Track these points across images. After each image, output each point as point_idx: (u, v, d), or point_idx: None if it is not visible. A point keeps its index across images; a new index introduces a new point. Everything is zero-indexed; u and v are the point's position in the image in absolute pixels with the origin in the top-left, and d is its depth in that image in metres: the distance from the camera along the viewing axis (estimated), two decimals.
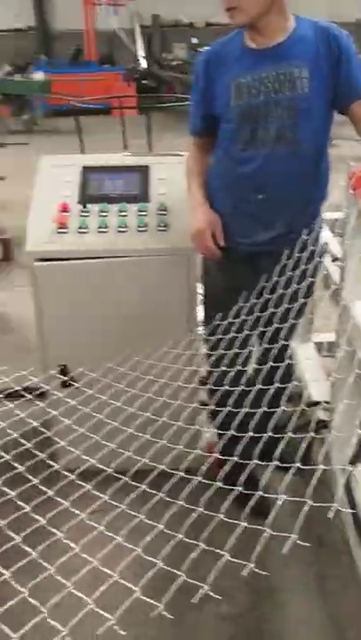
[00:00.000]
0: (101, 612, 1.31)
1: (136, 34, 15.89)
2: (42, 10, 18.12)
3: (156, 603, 1.27)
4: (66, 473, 1.90)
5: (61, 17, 17.88)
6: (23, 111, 13.74)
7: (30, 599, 1.40)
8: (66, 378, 2.86)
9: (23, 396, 3.65)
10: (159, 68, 15.34)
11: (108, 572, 1.44)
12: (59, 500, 1.79)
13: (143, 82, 14.29)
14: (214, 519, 1.46)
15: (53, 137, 12.62)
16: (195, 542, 1.43)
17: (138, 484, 1.73)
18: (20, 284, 5.35)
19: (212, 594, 1.27)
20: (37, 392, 3.58)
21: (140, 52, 15.37)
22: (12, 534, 1.63)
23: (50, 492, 1.83)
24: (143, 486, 1.72)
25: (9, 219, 6.73)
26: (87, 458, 2.03)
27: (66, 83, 13.27)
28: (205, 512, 1.53)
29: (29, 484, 1.85)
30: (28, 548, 1.58)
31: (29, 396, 2.57)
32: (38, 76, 13.64)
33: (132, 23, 16.13)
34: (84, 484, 1.83)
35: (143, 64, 14.92)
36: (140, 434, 2.00)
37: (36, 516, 1.71)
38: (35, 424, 2.19)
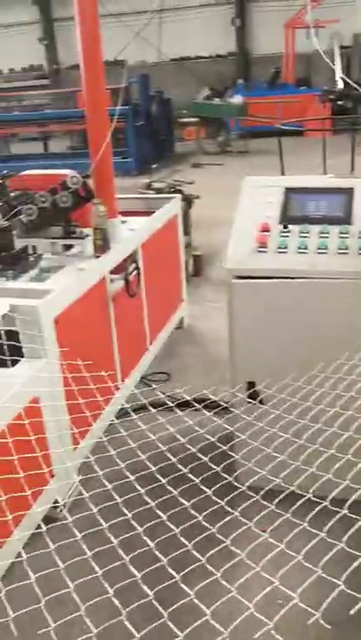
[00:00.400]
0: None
1: (335, 54, 15.73)
2: (243, 37, 18.77)
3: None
4: (249, 493, 1.93)
5: (260, 42, 18.38)
6: (219, 133, 14.30)
7: (212, 621, 1.44)
8: (252, 400, 2.90)
9: (209, 410, 3.77)
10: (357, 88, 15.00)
11: (290, 592, 1.44)
12: (241, 519, 1.83)
13: (339, 103, 14.08)
14: None
15: (245, 158, 12.94)
16: None
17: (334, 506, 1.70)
18: (210, 300, 5.56)
19: None
20: (223, 406, 3.67)
21: (338, 73, 15.18)
22: (196, 553, 1.69)
23: (235, 513, 1.88)
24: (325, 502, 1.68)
25: (201, 236, 7.03)
26: (273, 478, 2.04)
27: (262, 105, 13.54)
28: None
29: (217, 506, 1.91)
30: (210, 567, 1.63)
31: (211, 411, 2.66)
32: (236, 99, 14.09)
33: (331, 44, 16.02)
34: (267, 503, 1.84)
35: (340, 85, 14.71)
36: (325, 449, 1.97)
37: (220, 536, 1.77)
38: (212, 439, 2.26)
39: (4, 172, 3.96)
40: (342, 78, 13.74)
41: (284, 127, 5.75)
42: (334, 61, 15.43)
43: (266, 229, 2.87)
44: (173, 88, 16.64)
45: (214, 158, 13.19)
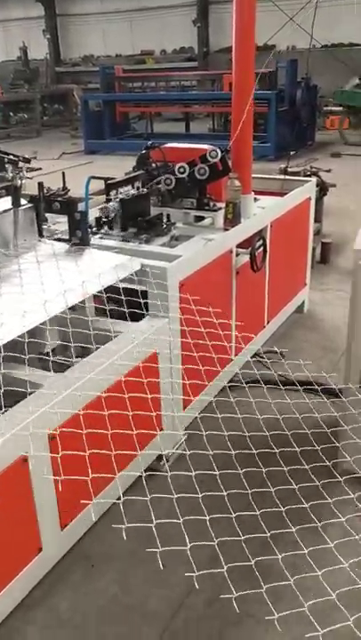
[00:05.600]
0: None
1: None
2: None
3: None
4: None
5: None
6: None
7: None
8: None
9: (318, 392, 3.77)
10: None
11: None
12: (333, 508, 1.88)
13: None
14: None
15: None
16: None
17: None
18: (333, 288, 5.49)
19: None
20: (333, 392, 3.67)
21: None
22: (291, 526, 1.77)
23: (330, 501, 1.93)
24: None
25: (332, 225, 6.92)
26: None
27: None
28: None
29: (315, 484, 1.96)
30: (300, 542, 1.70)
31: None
32: None
33: None
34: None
35: None
36: None
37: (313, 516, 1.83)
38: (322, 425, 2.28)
39: (149, 142, 4.16)
40: None
41: None
42: None
43: None
44: (322, 75, 16.23)
45: (356, 149, 12.79)
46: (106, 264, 2.84)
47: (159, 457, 3.08)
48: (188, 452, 2.16)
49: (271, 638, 2.32)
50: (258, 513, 1.85)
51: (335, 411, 2.87)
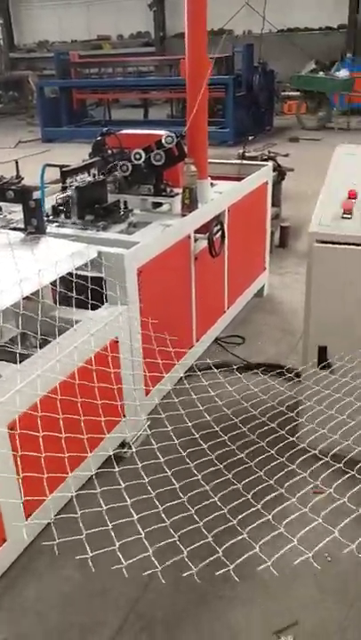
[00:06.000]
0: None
1: None
2: (356, 8, 18.03)
3: None
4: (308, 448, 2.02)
5: None
6: (320, 109, 13.93)
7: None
8: (322, 365, 2.94)
9: (281, 374, 3.84)
10: None
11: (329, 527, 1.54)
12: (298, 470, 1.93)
13: None
14: None
15: (346, 135, 12.56)
16: None
17: None
18: (292, 271, 5.56)
19: None
20: (294, 371, 3.73)
21: None
22: (253, 502, 1.81)
23: (293, 467, 1.98)
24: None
25: (291, 209, 6.99)
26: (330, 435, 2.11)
27: None
28: None
29: (277, 462, 2.01)
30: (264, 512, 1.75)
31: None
32: (342, 73, 13.64)
33: None
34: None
35: None
36: None
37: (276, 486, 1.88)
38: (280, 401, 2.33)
39: (105, 129, 4.12)
40: None
41: None
42: None
43: (353, 196, 2.87)
44: (278, 60, 16.30)
45: (313, 134, 12.91)
46: (62, 252, 2.82)
47: (123, 445, 3.10)
48: (150, 432, 2.18)
49: (237, 614, 2.37)
50: (216, 498, 1.88)
51: (295, 391, 2.93)
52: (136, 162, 3.72)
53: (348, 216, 2.83)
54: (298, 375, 3.28)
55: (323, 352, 2.95)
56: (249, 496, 1.84)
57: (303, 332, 3.08)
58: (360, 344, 2.84)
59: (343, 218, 2.83)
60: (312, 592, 2.43)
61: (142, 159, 3.70)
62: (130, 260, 2.93)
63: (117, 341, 2.89)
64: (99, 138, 4.00)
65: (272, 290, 5.19)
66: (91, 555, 1.61)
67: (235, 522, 1.77)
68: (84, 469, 2.43)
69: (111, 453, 2.53)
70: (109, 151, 3.92)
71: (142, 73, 15.96)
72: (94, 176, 3.71)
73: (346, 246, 2.78)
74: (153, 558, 1.61)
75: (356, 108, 13.73)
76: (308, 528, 1.74)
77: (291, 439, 2.15)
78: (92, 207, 3.57)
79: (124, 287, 2.91)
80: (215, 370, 3.35)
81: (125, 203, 3.77)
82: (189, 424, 2.15)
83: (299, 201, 7.28)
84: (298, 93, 14.27)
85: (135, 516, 1.72)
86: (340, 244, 2.79)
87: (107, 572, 1.99)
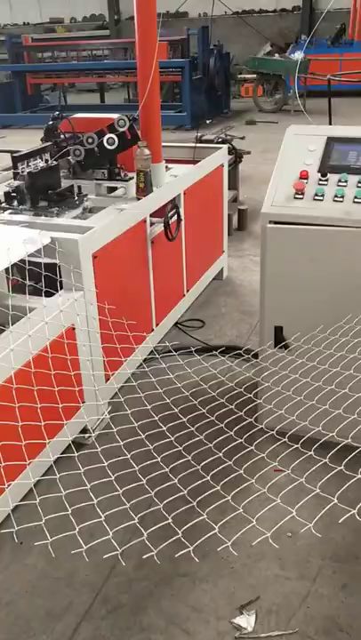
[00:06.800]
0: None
1: None
2: None
3: None
4: (265, 429, 2.05)
5: None
6: (277, 91, 13.97)
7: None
8: (279, 345, 2.97)
9: (238, 355, 3.86)
10: None
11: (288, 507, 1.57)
12: (256, 452, 1.95)
13: None
14: None
15: (302, 117, 12.62)
16: None
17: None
18: (251, 253, 5.60)
19: None
20: (252, 352, 3.76)
21: None
22: (213, 483, 1.83)
23: (252, 448, 2.00)
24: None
25: (249, 191, 7.02)
26: (288, 416, 2.14)
27: (324, 63, 13.11)
28: None
29: (236, 443, 2.03)
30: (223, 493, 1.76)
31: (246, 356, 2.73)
32: (297, 55, 13.66)
33: None
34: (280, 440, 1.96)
35: None
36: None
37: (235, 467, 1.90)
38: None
39: (56, 113, 4.06)
40: None
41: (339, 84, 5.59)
42: None
43: (304, 177, 2.89)
44: (235, 43, 16.27)
45: (270, 116, 12.96)
46: (14, 239, 2.77)
47: (85, 431, 3.09)
48: (110, 416, 2.18)
49: (200, 594, 2.40)
50: (176, 480, 1.88)
51: (253, 372, 2.95)
52: (89, 146, 3.67)
53: (300, 196, 2.85)
54: (256, 356, 3.32)
55: (279, 332, 2.99)
56: (208, 477, 1.86)
57: (260, 313, 3.11)
58: (315, 323, 2.88)
59: (295, 198, 2.85)
60: (275, 569, 2.48)
61: (95, 143, 3.66)
62: (84, 245, 2.90)
63: (74, 328, 2.87)
64: (50, 123, 3.93)
65: (231, 272, 5.22)
66: (50, 540, 1.60)
67: (194, 503, 1.78)
68: (44, 457, 2.42)
69: (70, 439, 2.51)
70: (62, 136, 3.86)
71: (97, 57, 15.70)
72: (47, 161, 3.66)
73: (298, 226, 2.80)
74: (113, 542, 1.61)
75: (313, 90, 13.80)
76: (267, 508, 1.77)
77: (249, 420, 2.17)
78: (46, 193, 3.52)
79: (79, 273, 2.88)
80: (175, 353, 3.37)
81: (80, 188, 3.73)
82: (149, 407, 2.16)
83: (257, 183, 7.31)
84: (254, 76, 14.27)
85: (95, 500, 1.72)
86: (292, 224, 2.82)
87: (72, 558, 2.00)
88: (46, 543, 1.59)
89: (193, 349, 2.97)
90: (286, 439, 2.00)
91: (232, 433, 2.06)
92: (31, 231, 2.90)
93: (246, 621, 2.26)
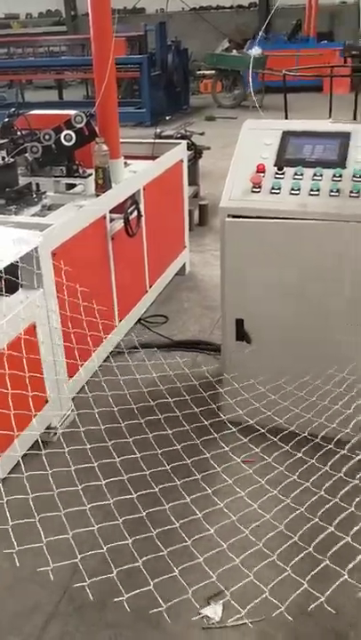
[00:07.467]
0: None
1: None
2: None
3: None
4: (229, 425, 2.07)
5: None
6: (235, 87, 14.05)
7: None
8: (240, 337, 3.01)
9: (202, 350, 3.89)
10: None
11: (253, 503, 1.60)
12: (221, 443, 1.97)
13: None
14: None
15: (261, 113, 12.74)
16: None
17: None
18: (212, 248, 5.63)
19: None
20: (213, 346, 3.79)
21: None
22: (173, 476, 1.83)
23: (215, 436, 2.02)
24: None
25: (209, 187, 7.04)
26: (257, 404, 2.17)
27: (281, 59, 13.24)
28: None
29: (202, 440, 2.04)
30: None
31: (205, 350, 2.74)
32: (254, 51, 13.75)
33: None
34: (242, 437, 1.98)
35: None
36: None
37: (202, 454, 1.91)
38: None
39: (12, 110, 4.00)
40: None
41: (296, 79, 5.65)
42: None
43: (261, 170, 2.93)
44: (192, 39, 16.26)
45: (229, 112, 13.02)
46: (4, 239, 2.73)
47: (50, 428, 3.06)
48: (76, 412, 2.17)
49: (166, 588, 2.40)
50: (147, 472, 1.90)
51: (217, 365, 2.98)
52: (46, 143, 3.64)
53: (258, 190, 2.88)
54: (219, 350, 3.34)
55: (240, 325, 3.02)
56: (168, 467, 1.87)
57: (221, 307, 3.13)
58: (275, 315, 2.93)
59: (253, 192, 2.88)
60: (241, 559, 2.50)
61: (52, 140, 3.63)
62: (43, 243, 2.87)
63: (35, 326, 2.84)
64: (7, 120, 3.88)
65: (193, 267, 5.24)
66: (16, 549, 1.59)
67: (157, 489, 1.79)
68: (7, 455, 2.40)
69: (38, 436, 2.50)
70: (18, 133, 3.82)
71: (54, 53, 15.52)
72: (3, 159, 3.61)
73: (256, 220, 2.83)
74: (72, 541, 1.61)
75: (271, 86, 13.91)
76: (230, 499, 1.79)
77: (215, 412, 2.19)
78: (3, 191, 3.48)
79: (38, 271, 2.86)
80: (140, 349, 3.38)
81: (38, 185, 3.69)
82: (113, 406, 2.16)
83: (217, 179, 7.32)
84: (213, 72, 14.32)
85: (57, 499, 1.72)
86: (250, 217, 2.85)
87: (36, 557, 1.98)
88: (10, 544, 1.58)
89: (156, 347, 2.99)
90: (243, 434, 2.03)
91: (189, 428, 2.07)
92: (21, 231, 2.85)
93: (214, 611, 2.28)
